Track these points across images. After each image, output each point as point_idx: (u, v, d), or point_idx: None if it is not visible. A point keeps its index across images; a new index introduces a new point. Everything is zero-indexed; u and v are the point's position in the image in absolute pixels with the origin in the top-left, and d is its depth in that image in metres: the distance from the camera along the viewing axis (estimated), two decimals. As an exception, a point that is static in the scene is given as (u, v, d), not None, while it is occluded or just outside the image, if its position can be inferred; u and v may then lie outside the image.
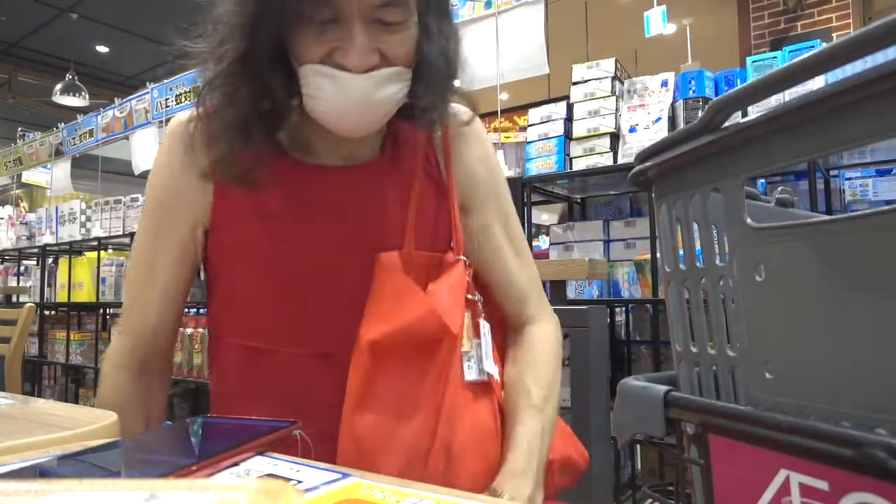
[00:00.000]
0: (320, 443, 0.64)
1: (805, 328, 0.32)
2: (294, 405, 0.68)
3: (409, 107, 0.69)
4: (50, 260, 4.29)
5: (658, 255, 0.40)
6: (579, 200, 2.59)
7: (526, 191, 2.27)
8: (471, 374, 0.69)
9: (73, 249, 3.94)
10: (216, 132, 0.67)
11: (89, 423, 0.56)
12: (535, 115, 2.37)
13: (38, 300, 4.16)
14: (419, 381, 0.67)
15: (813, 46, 1.74)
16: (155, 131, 4.04)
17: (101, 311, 3.93)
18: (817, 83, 1.70)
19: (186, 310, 3.62)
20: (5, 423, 0.59)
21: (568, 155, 2.23)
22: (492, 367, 0.72)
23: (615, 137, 2.08)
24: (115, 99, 4.35)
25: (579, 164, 2.16)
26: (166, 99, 3.87)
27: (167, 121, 3.97)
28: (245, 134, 0.66)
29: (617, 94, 2.11)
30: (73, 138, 4.72)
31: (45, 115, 7.23)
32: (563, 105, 2.30)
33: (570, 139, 2.23)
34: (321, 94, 0.64)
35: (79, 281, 3.87)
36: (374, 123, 0.68)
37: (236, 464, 0.44)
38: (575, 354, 1.19)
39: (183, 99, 3.78)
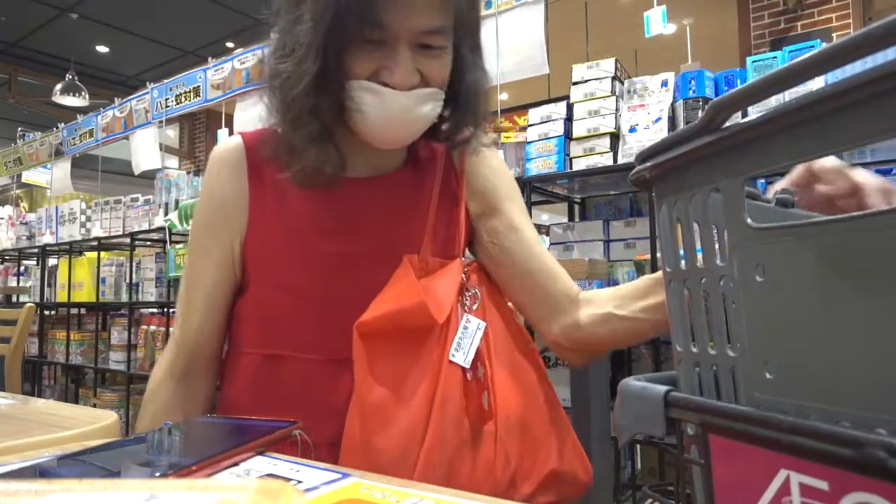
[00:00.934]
0: (335, 447, 0.65)
1: (805, 328, 0.32)
2: (309, 409, 0.70)
3: (436, 125, 0.77)
4: (51, 261, 4.29)
5: (658, 255, 0.40)
6: (579, 200, 2.59)
7: (526, 191, 2.27)
8: (457, 359, 0.72)
9: (73, 249, 3.94)
10: (299, 145, 0.72)
11: (89, 423, 0.56)
12: (535, 115, 2.37)
13: (38, 300, 4.16)
14: (410, 367, 0.70)
15: (813, 46, 1.74)
16: (155, 131, 4.04)
17: (101, 311, 3.94)
18: (817, 83, 1.70)
19: (186, 310, 3.64)
20: (5, 423, 0.59)
21: (568, 155, 2.23)
22: (468, 359, 0.74)
23: (615, 137, 2.08)
24: (115, 99, 4.35)
25: (579, 164, 2.16)
26: (166, 99, 3.87)
27: (167, 121, 3.98)
28: (324, 145, 0.72)
29: (617, 94, 2.11)
30: (73, 138, 4.72)
31: (45, 115, 7.23)
32: (563, 105, 2.30)
33: (570, 139, 2.23)
34: (365, 108, 0.70)
35: (79, 281, 3.87)
36: (409, 137, 0.75)
37: (236, 464, 0.44)
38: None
39: (183, 99, 3.78)
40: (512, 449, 0.72)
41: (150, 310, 3.61)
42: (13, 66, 7.34)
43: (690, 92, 1.89)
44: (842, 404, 0.30)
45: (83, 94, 6.40)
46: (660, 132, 1.94)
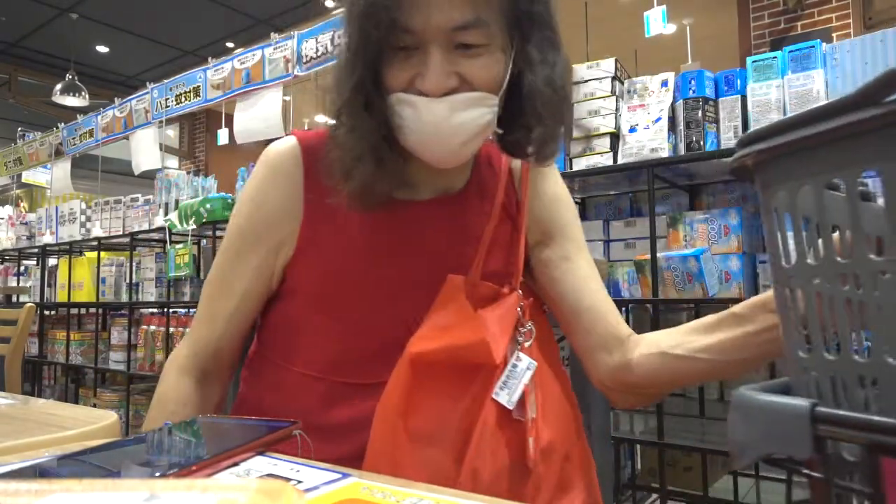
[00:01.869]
0: (349, 461, 0.63)
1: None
2: (330, 429, 0.69)
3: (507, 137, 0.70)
4: (51, 261, 4.29)
5: (768, 252, 0.37)
6: (579, 200, 2.59)
7: (526, 191, 2.27)
8: (501, 398, 0.68)
9: (73, 249, 3.93)
10: (349, 163, 0.66)
11: (89, 423, 0.56)
12: (535, 115, 2.36)
13: (38, 300, 4.16)
14: (455, 403, 0.67)
15: (813, 47, 1.74)
16: (155, 131, 4.03)
17: (101, 311, 3.93)
18: (818, 83, 1.69)
19: (186, 310, 3.64)
20: (5, 423, 0.59)
21: (568, 155, 2.23)
22: (513, 400, 0.70)
23: (615, 137, 2.08)
24: (115, 99, 4.35)
25: (579, 164, 2.16)
26: (166, 99, 3.86)
27: (167, 121, 3.97)
28: (370, 164, 0.66)
29: (617, 94, 2.11)
30: (73, 138, 4.72)
31: (45, 115, 7.23)
32: (563, 105, 2.29)
33: (570, 139, 2.23)
34: (404, 122, 0.65)
35: (79, 281, 3.87)
36: (460, 150, 0.66)
37: (236, 464, 0.44)
38: (575, 354, 1.19)
39: (183, 99, 3.78)
40: (546, 491, 0.69)
41: (150, 310, 3.61)
42: (13, 66, 7.33)
43: (690, 92, 1.89)
44: None
45: (83, 94, 6.40)
46: (660, 132, 1.94)
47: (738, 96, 1.83)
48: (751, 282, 1.83)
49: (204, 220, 3.07)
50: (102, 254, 3.77)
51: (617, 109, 2.09)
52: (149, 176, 3.89)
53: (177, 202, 3.39)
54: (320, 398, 0.71)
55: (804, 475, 0.34)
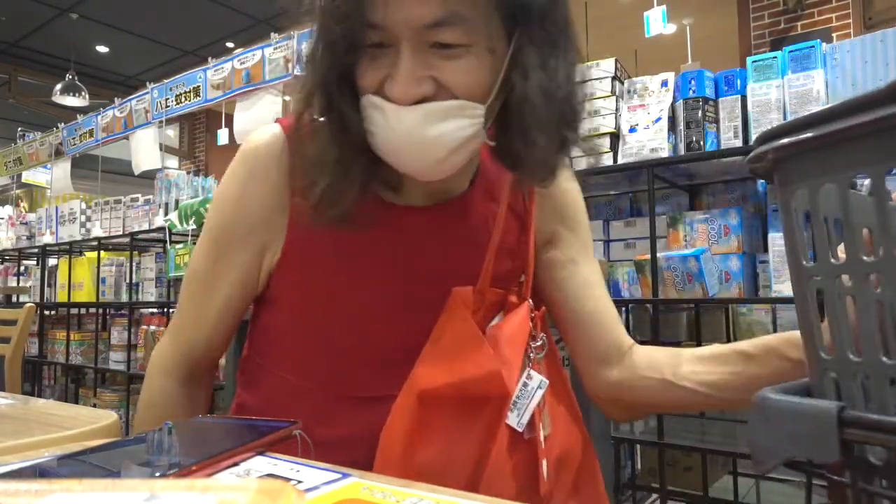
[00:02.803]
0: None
1: None
2: (328, 438, 0.64)
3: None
4: (51, 261, 4.29)
5: (785, 250, 0.36)
6: (579, 200, 2.58)
7: (526, 191, 2.27)
8: (511, 420, 0.65)
9: (73, 249, 3.93)
10: (314, 171, 0.60)
11: (89, 423, 0.56)
12: (535, 115, 2.36)
13: (38, 300, 4.16)
14: (465, 435, 0.63)
15: (813, 47, 1.74)
16: (155, 131, 4.03)
17: (101, 311, 3.93)
18: (818, 83, 1.69)
19: (186, 310, 3.64)
20: (5, 423, 0.59)
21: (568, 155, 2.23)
22: (523, 422, 0.66)
23: (615, 137, 2.08)
24: (115, 99, 4.35)
25: (579, 164, 2.16)
26: (166, 99, 3.86)
27: (167, 121, 3.97)
28: (343, 172, 0.59)
29: (617, 94, 2.11)
30: (73, 138, 4.72)
31: (45, 115, 7.23)
32: (563, 105, 2.29)
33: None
34: (374, 128, 0.57)
35: (79, 281, 3.87)
36: (440, 165, 0.58)
37: (236, 464, 0.44)
38: (571, 361, 1.18)
39: (183, 99, 3.77)
40: (558, 502, 0.67)
41: (150, 310, 3.61)
42: (13, 66, 7.33)
43: (690, 92, 1.89)
44: None
45: (83, 94, 6.40)
46: (660, 132, 1.94)
47: (738, 96, 1.83)
48: (751, 282, 1.83)
49: (204, 220, 3.07)
50: (102, 254, 3.77)
51: (617, 109, 2.09)
52: (149, 176, 3.89)
53: (177, 202, 3.39)
54: (314, 409, 0.67)
55: (825, 479, 0.33)
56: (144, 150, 4.03)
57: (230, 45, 6.89)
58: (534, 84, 0.57)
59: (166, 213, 3.40)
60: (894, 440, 0.29)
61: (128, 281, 3.56)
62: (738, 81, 1.85)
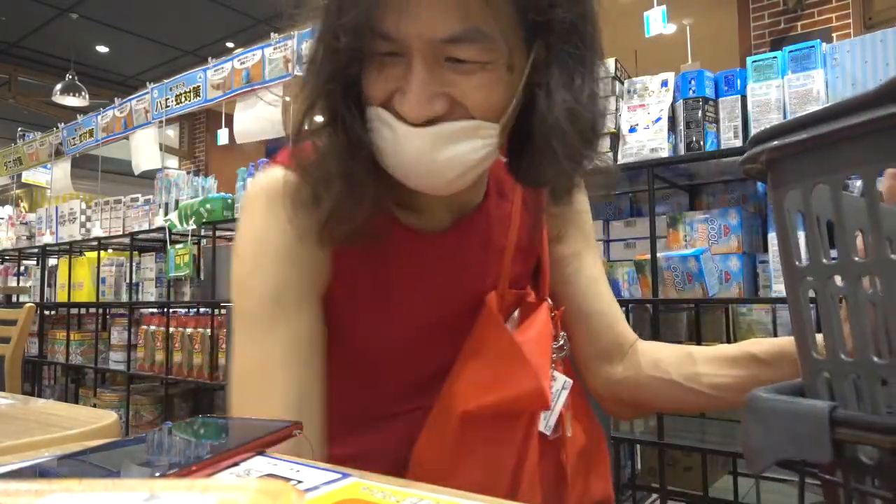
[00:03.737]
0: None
1: None
2: (357, 452, 0.63)
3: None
4: (51, 261, 4.29)
5: (778, 251, 0.36)
6: (579, 200, 2.58)
7: (526, 191, 2.27)
8: (541, 426, 0.65)
9: (73, 249, 3.93)
10: (320, 189, 0.56)
11: (89, 423, 0.56)
12: (535, 115, 2.36)
13: (38, 300, 4.16)
14: (505, 447, 0.62)
15: (813, 47, 1.74)
16: (155, 131, 4.03)
17: (101, 311, 3.93)
18: (818, 83, 1.69)
19: (186, 310, 3.64)
20: (5, 423, 0.59)
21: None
22: (550, 424, 0.66)
23: (615, 137, 2.08)
24: (115, 99, 4.35)
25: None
26: (166, 99, 3.86)
27: (167, 121, 3.97)
28: (350, 188, 0.55)
29: (617, 94, 2.11)
30: (73, 138, 4.72)
31: (45, 115, 7.23)
32: (563, 105, 2.29)
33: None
34: (382, 143, 0.53)
35: (79, 281, 3.87)
36: (451, 185, 0.55)
37: (236, 464, 0.44)
38: (572, 357, 1.18)
39: (183, 99, 3.77)
40: (575, 487, 0.67)
41: (150, 310, 3.61)
42: (13, 66, 7.33)
43: (690, 92, 1.89)
44: None
45: (83, 94, 6.40)
46: (660, 132, 1.94)
47: (738, 96, 1.83)
48: (751, 282, 1.83)
49: (204, 220, 3.07)
50: (102, 254, 3.77)
51: (617, 109, 2.09)
52: (149, 176, 3.89)
53: (177, 202, 3.39)
54: (346, 427, 0.64)
55: (818, 478, 0.33)
56: (144, 150, 4.03)
57: (230, 45, 6.89)
58: (558, 105, 0.53)
59: (166, 213, 3.40)
60: (886, 440, 0.29)
61: (128, 281, 3.56)
62: (738, 81, 1.85)
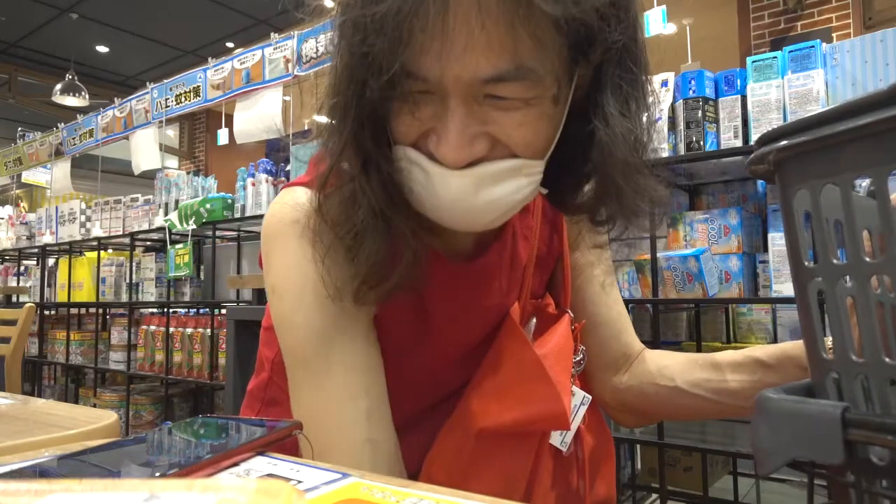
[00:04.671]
0: None
1: None
2: None
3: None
4: (51, 261, 4.29)
5: (787, 251, 0.35)
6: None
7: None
8: (554, 441, 0.63)
9: (73, 249, 3.94)
10: (354, 247, 0.51)
11: (89, 423, 0.56)
12: (535, 115, 2.36)
13: (38, 300, 4.16)
14: (519, 462, 0.61)
15: (813, 47, 1.74)
16: (155, 131, 4.03)
17: (101, 310, 3.93)
18: (818, 83, 1.69)
19: (186, 310, 3.64)
20: (5, 423, 0.59)
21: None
22: (567, 441, 0.65)
23: (615, 137, 2.08)
24: (115, 99, 4.35)
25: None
26: (166, 99, 3.86)
27: (167, 121, 3.97)
28: (385, 237, 0.51)
29: (617, 94, 2.11)
30: (73, 138, 4.72)
31: (45, 115, 7.23)
32: (563, 105, 2.29)
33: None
34: (414, 185, 0.50)
35: (79, 281, 3.87)
36: (490, 225, 0.52)
37: (236, 464, 0.44)
38: None
39: (183, 99, 3.77)
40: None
41: (150, 310, 3.61)
42: (13, 66, 7.34)
43: (690, 92, 1.89)
44: None
45: (83, 94, 6.40)
46: (659, 132, 1.94)
47: (738, 96, 1.83)
48: (751, 282, 1.83)
49: (204, 220, 3.07)
50: (102, 254, 3.77)
51: (617, 109, 2.09)
52: (149, 176, 3.89)
53: (177, 202, 3.39)
54: None
55: (828, 479, 0.33)
56: (144, 150, 4.03)
57: (230, 45, 6.89)
58: (619, 139, 0.49)
59: (166, 213, 3.40)
60: None
61: (128, 281, 3.56)
62: (738, 81, 1.85)
